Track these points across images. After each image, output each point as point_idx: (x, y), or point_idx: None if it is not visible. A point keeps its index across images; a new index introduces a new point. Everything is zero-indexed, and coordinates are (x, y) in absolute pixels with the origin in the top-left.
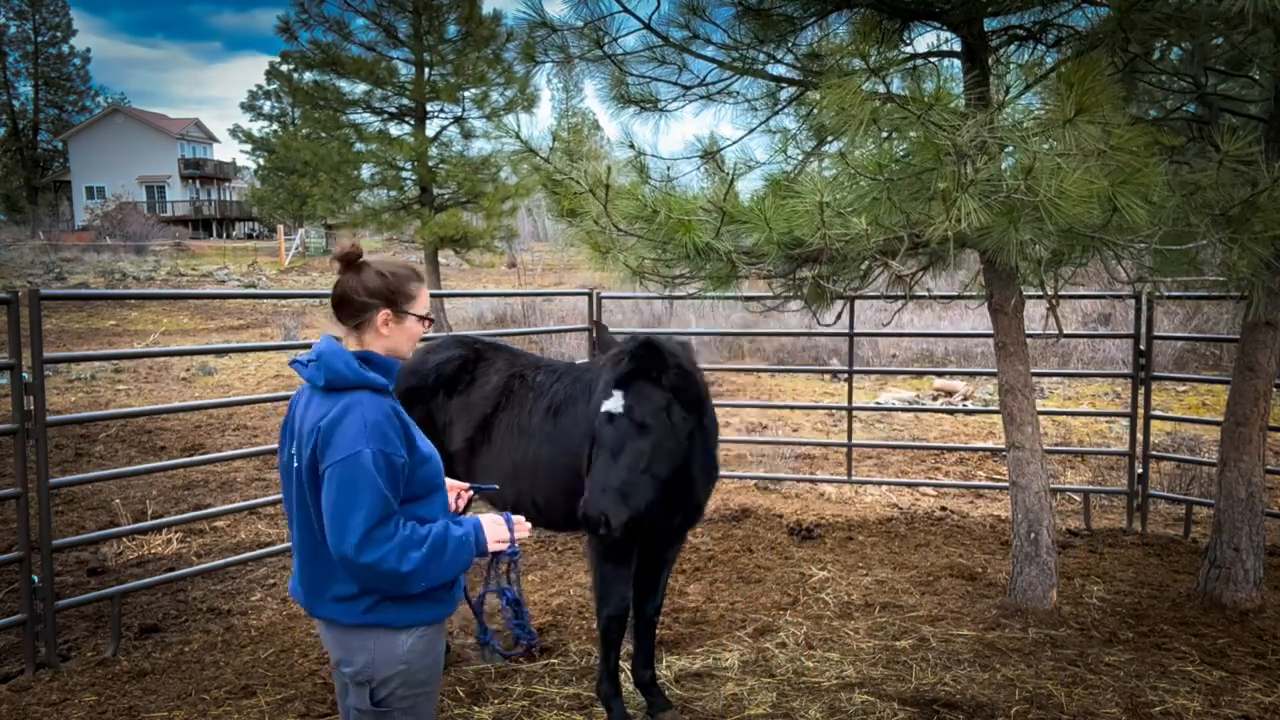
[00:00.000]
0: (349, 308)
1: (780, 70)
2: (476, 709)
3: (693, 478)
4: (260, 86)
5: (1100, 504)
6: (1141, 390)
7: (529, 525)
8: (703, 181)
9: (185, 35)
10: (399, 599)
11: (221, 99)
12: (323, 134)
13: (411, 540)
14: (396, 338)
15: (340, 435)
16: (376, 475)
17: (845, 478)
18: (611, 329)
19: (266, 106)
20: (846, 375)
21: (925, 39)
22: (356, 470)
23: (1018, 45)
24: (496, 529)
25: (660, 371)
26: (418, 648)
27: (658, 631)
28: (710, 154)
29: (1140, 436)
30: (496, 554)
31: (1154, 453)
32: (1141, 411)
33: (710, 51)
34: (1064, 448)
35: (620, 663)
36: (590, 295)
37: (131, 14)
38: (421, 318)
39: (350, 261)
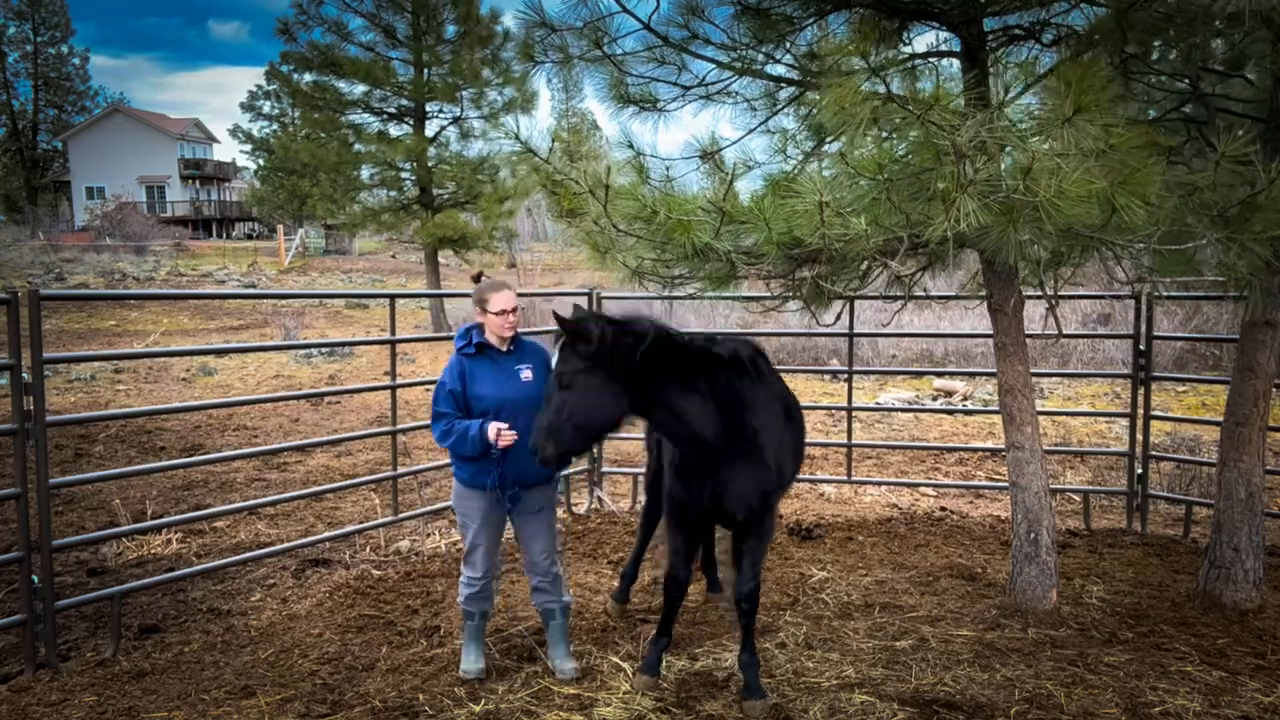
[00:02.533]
0: None
1: (779, 70)
2: (475, 707)
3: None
4: (260, 87)
5: (1100, 504)
6: (1141, 390)
7: (508, 435)
8: (702, 181)
9: (144, 47)
10: (456, 463)
11: (189, 103)
12: (322, 134)
13: (445, 430)
14: (488, 325)
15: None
16: (440, 391)
17: (845, 478)
18: (533, 339)
19: (266, 107)
20: (846, 375)
21: (924, 39)
22: (438, 385)
23: (1016, 45)
24: (494, 433)
25: None
26: (456, 489)
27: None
28: (709, 154)
29: (1140, 437)
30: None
31: (1154, 453)
32: (1141, 412)
33: (709, 52)
34: (1064, 448)
35: (620, 662)
36: (590, 295)
37: (86, 27)
38: (496, 313)
39: (475, 279)
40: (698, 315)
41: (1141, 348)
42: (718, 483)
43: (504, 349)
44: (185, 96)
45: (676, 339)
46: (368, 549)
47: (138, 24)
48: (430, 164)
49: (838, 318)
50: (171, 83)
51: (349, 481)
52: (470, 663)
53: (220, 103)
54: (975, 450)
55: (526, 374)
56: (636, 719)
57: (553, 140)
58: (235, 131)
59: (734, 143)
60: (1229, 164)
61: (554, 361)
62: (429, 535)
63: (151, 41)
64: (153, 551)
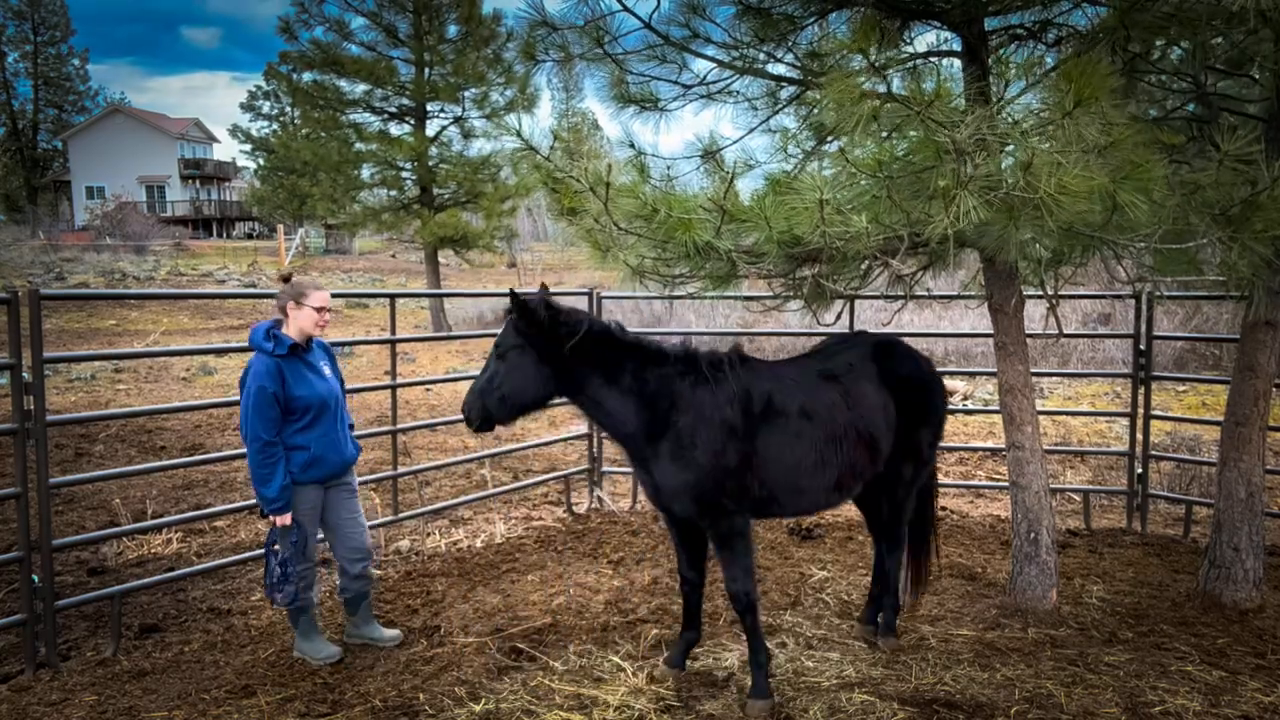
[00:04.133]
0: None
1: (780, 69)
2: (475, 707)
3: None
4: (259, 86)
5: (1100, 504)
6: (1141, 390)
7: (284, 520)
8: (703, 180)
9: (121, 53)
10: None
11: (166, 106)
12: (322, 134)
13: (266, 454)
14: (298, 323)
15: (247, 375)
16: (263, 394)
17: None
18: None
19: (266, 106)
20: None
21: (925, 38)
22: (257, 391)
23: (1018, 45)
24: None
25: None
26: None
27: (658, 631)
28: (710, 153)
29: (1140, 436)
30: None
31: (1154, 453)
32: (1141, 411)
33: (710, 51)
34: (1064, 448)
35: (621, 662)
36: (590, 295)
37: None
38: (317, 308)
39: (285, 279)
40: (698, 315)
41: (1141, 347)
42: (649, 476)
43: (305, 346)
44: (163, 100)
45: (609, 335)
46: None
47: (113, 31)
48: (431, 163)
49: (838, 317)
50: (149, 86)
51: None
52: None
53: (197, 106)
54: (975, 450)
55: (327, 370)
56: (637, 719)
57: (554, 139)
58: (235, 131)
59: (735, 142)
60: (1231, 163)
61: (499, 333)
62: (429, 535)
63: (127, 47)
64: (153, 551)
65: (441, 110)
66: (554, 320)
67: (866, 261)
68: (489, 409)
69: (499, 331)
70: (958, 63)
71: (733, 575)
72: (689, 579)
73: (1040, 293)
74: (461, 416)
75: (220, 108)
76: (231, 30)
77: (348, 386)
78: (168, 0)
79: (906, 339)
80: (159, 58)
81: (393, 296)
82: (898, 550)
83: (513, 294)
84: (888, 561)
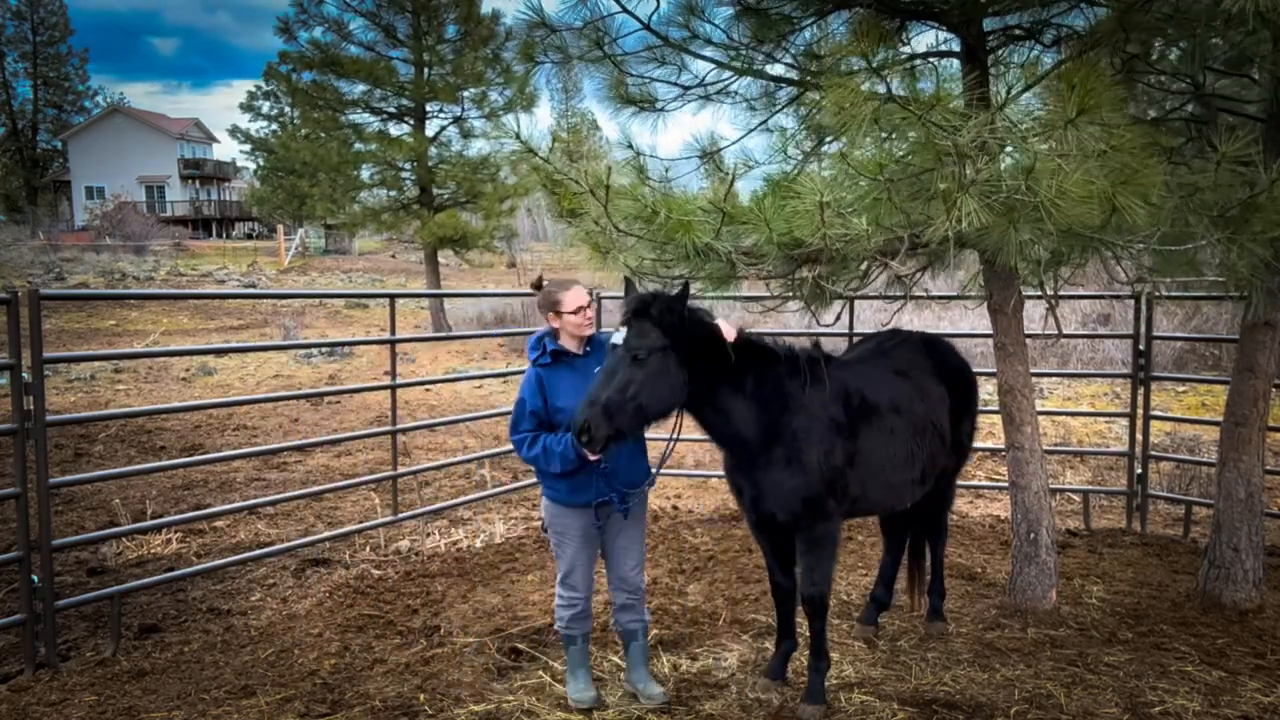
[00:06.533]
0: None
1: (779, 70)
2: (475, 707)
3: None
4: (259, 87)
5: (1100, 504)
6: (1141, 390)
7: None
8: (702, 182)
9: (87, 60)
10: (548, 482)
11: (143, 105)
12: (322, 134)
13: (532, 452)
14: (565, 327)
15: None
16: (520, 410)
17: None
18: (609, 330)
19: (265, 107)
20: None
21: (924, 39)
22: (518, 402)
23: (1017, 45)
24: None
25: None
26: (550, 509)
27: (657, 630)
28: (709, 154)
29: (1140, 436)
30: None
31: (1153, 453)
32: (1141, 412)
33: (709, 52)
34: (1064, 448)
35: (621, 662)
36: (590, 295)
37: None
38: (573, 312)
39: (535, 286)
40: None
41: (1141, 348)
42: (755, 485)
43: (580, 352)
44: (139, 105)
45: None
46: (368, 549)
47: (80, 40)
48: (431, 164)
49: (838, 318)
50: (116, 94)
51: (349, 481)
52: (581, 690)
53: (172, 111)
54: (975, 450)
55: None
56: (636, 719)
57: (552, 140)
58: (234, 131)
59: (734, 143)
60: (1230, 164)
61: (622, 336)
62: (429, 535)
63: (93, 54)
64: (153, 551)
65: (441, 110)
66: (693, 317)
67: (866, 263)
68: (620, 425)
69: (620, 334)
70: (956, 63)
71: (814, 579)
72: (782, 585)
73: (1040, 293)
74: (460, 417)
75: (184, 114)
76: (189, 40)
77: (348, 386)
78: (130, 12)
79: None
80: (126, 65)
81: (393, 296)
82: (943, 537)
83: (650, 293)
84: (934, 550)
